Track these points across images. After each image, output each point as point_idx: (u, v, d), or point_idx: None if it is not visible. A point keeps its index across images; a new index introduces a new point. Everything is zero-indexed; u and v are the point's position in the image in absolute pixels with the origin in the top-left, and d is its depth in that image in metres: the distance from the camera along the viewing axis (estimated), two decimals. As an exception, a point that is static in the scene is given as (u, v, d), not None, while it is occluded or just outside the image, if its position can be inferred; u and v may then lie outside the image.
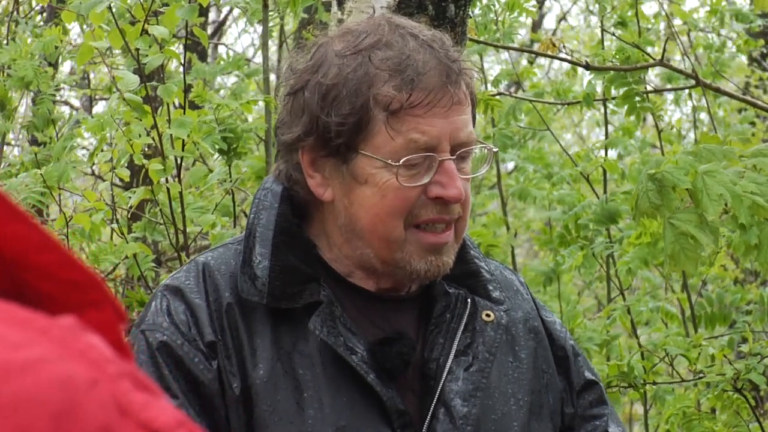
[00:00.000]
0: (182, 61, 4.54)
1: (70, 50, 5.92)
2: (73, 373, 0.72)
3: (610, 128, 6.69)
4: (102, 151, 4.42)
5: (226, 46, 9.29)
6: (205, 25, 7.87)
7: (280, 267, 2.00)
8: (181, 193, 4.26)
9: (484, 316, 2.10)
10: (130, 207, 4.58)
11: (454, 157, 1.98)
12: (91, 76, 7.85)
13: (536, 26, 10.65)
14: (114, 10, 3.95)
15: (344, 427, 1.96)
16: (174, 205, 4.29)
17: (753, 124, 7.33)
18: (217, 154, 4.61)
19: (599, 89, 5.27)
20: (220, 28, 9.93)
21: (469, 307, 2.09)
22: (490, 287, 2.14)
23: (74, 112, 7.90)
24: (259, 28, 5.75)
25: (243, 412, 1.96)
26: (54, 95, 5.58)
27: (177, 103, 4.76)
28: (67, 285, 0.80)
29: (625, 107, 4.94)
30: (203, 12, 6.91)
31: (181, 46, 4.94)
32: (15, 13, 6.35)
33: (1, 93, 5.14)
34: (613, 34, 5.28)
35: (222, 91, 7.03)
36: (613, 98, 5.14)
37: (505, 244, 6.25)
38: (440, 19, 3.10)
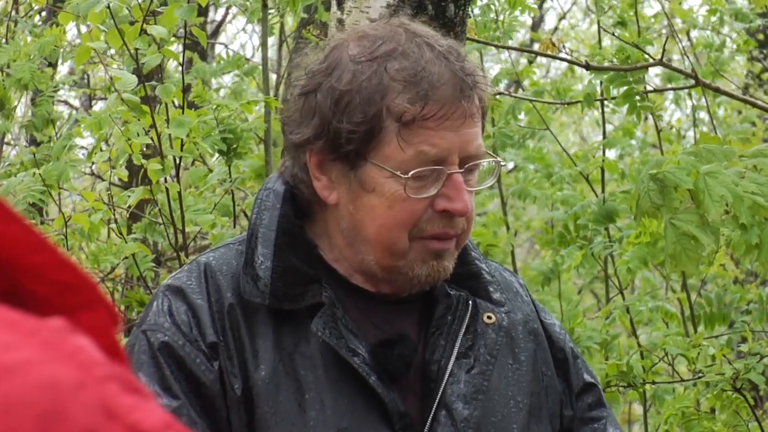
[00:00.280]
0: (181, 61, 4.54)
1: (70, 50, 5.92)
2: (60, 376, 0.71)
3: (610, 128, 6.69)
4: (101, 150, 4.42)
5: (225, 45, 9.29)
6: (204, 25, 7.87)
7: (283, 268, 2.00)
8: (180, 192, 4.26)
9: (485, 319, 2.10)
10: (129, 207, 4.58)
11: (463, 170, 1.98)
12: (91, 75, 7.85)
13: (536, 26, 10.66)
14: (112, 8, 3.94)
15: (345, 429, 1.96)
16: (173, 205, 4.29)
17: (753, 123, 7.33)
18: (216, 155, 4.61)
19: (599, 89, 5.27)
20: (219, 27, 9.93)
21: (470, 309, 2.10)
22: (491, 289, 2.14)
23: (73, 112, 7.90)
24: (258, 27, 5.75)
25: (244, 413, 1.96)
26: (53, 96, 5.58)
27: (176, 103, 4.76)
28: (60, 286, 0.80)
29: (626, 106, 4.94)
30: (203, 12, 6.91)
31: (180, 46, 4.94)
32: (14, 12, 6.35)
33: (0, 93, 5.14)
34: (613, 34, 5.27)
35: (222, 91, 7.03)
36: (613, 98, 5.14)
37: (505, 244, 6.25)
38: (440, 18, 3.09)
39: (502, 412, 2.07)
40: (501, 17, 5.74)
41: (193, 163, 5.47)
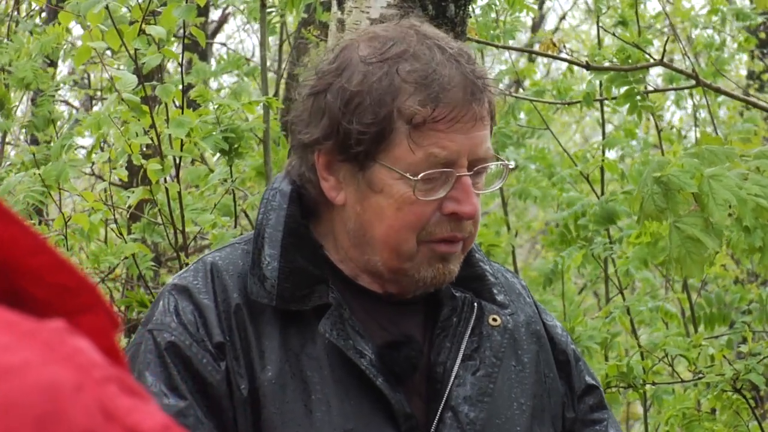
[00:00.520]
0: (180, 61, 4.54)
1: (71, 49, 5.92)
2: (58, 378, 0.71)
3: (610, 128, 6.69)
4: (100, 150, 4.42)
5: (224, 44, 9.29)
6: (205, 25, 7.86)
7: (290, 269, 1.99)
8: (179, 192, 4.26)
9: (490, 321, 2.10)
10: (129, 207, 4.58)
11: (471, 172, 1.98)
12: (91, 75, 7.85)
13: (536, 26, 10.65)
14: (110, 8, 3.94)
15: (351, 430, 1.96)
16: (173, 205, 4.29)
17: (756, 125, 7.32)
18: (217, 154, 4.61)
19: (599, 89, 5.27)
20: (220, 27, 9.93)
21: (475, 311, 2.09)
22: (495, 291, 2.14)
23: (74, 112, 7.90)
24: (257, 27, 5.75)
25: (251, 413, 1.96)
26: (54, 95, 5.58)
27: (176, 103, 4.76)
28: (59, 289, 0.80)
29: (626, 106, 4.93)
30: (203, 12, 6.90)
31: (180, 46, 4.94)
32: (15, 12, 6.35)
33: (1, 92, 5.14)
34: (613, 34, 5.27)
35: (222, 91, 7.03)
36: (613, 98, 5.14)
37: (506, 244, 6.25)
38: (440, 18, 3.08)
39: (506, 414, 2.07)
40: (501, 17, 5.75)
41: (193, 163, 5.47)
